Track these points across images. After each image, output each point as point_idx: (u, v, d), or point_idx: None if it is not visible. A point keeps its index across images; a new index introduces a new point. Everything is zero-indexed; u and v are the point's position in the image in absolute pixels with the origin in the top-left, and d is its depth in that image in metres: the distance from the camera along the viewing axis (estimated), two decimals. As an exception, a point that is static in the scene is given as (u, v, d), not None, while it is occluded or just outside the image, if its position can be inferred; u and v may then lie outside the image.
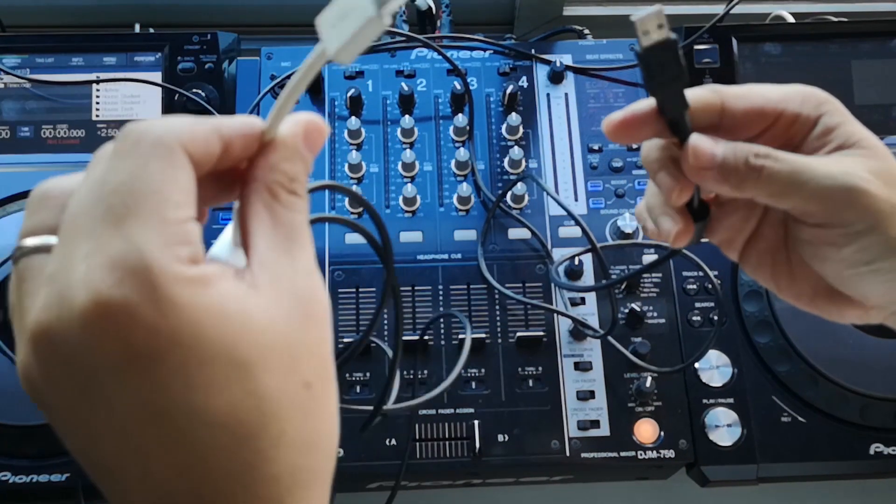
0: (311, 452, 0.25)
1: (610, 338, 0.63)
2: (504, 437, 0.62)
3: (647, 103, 0.34)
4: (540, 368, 0.64)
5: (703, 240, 0.40)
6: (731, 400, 0.63)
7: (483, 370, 0.64)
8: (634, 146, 0.71)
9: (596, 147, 0.72)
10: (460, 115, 0.72)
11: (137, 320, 0.21)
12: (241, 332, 0.23)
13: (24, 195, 0.70)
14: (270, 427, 0.23)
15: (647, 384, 0.62)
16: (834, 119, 0.35)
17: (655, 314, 0.66)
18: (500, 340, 0.65)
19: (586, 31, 0.83)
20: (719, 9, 0.71)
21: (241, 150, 0.26)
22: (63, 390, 0.22)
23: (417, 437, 0.62)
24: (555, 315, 0.65)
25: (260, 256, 0.25)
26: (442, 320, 0.65)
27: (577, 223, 0.64)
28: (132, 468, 0.23)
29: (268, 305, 0.24)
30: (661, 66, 0.32)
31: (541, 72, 0.75)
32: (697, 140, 0.34)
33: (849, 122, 0.35)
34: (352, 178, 0.70)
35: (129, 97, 0.74)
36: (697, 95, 0.35)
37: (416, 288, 0.66)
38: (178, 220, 0.23)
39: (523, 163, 0.71)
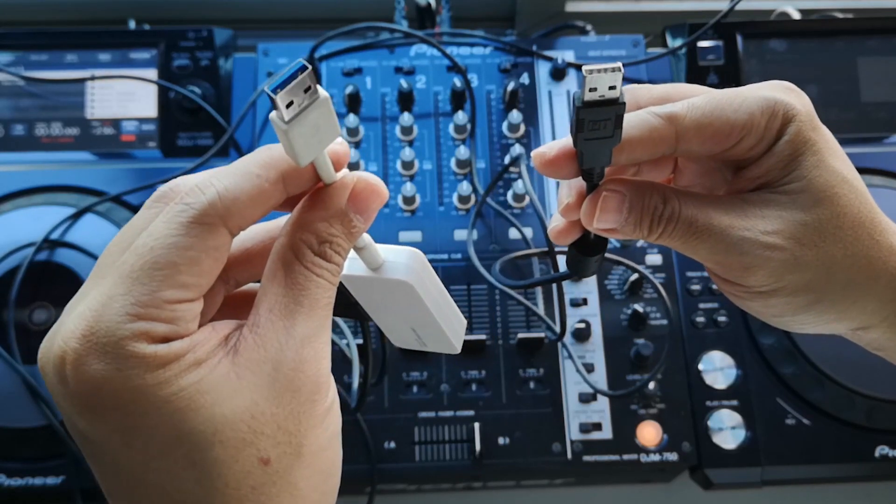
0: None
1: (564, 342, 0.63)
2: (505, 440, 0.61)
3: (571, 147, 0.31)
4: (541, 370, 0.63)
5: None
6: (735, 402, 0.63)
7: (483, 372, 0.63)
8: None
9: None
10: (460, 112, 0.71)
11: (87, 380, 0.22)
12: (192, 404, 0.22)
13: (17, 194, 0.69)
14: (211, 502, 0.23)
15: (650, 386, 0.61)
16: (785, 150, 0.30)
17: (658, 315, 0.65)
18: (500, 342, 0.64)
19: (588, 27, 0.82)
20: (724, 5, 0.70)
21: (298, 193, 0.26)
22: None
23: (417, 439, 0.61)
24: (557, 317, 0.64)
25: (256, 317, 0.24)
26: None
27: (541, 222, 0.62)
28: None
29: (238, 375, 0.23)
30: (596, 124, 0.27)
31: (542, 68, 0.74)
32: (599, 217, 0.31)
33: (806, 151, 0.30)
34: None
35: (123, 95, 0.72)
36: (646, 127, 0.30)
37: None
38: (174, 299, 0.23)
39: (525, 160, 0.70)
